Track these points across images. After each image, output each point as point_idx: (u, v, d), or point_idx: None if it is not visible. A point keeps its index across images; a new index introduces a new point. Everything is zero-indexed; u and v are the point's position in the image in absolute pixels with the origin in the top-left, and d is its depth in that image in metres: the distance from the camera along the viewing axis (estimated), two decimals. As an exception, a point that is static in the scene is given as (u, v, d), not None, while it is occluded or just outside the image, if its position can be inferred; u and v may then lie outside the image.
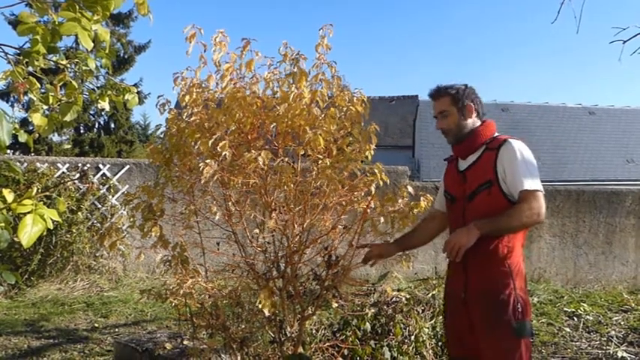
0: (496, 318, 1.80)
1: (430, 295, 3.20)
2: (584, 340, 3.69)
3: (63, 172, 5.03)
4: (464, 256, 1.82)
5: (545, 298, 4.75)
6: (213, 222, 2.12)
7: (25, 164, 4.88)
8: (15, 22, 13.90)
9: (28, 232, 1.20)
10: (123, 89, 1.79)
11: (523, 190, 1.78)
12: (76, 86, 1.63)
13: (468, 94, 1.97)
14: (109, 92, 1.76)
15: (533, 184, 1.79)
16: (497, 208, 1.82)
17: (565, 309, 4.38)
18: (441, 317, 3.10)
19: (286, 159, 1.99)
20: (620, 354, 3.37)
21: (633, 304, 4.56)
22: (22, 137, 1.55)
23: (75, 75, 1.69)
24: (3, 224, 1.30)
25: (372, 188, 2.20)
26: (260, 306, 1.98)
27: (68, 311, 4.13)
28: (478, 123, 1.98)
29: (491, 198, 1.84)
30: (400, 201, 2.31)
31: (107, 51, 1.64)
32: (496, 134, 1.97)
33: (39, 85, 1.56)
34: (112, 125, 18.20)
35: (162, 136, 2.50)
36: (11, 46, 1.46)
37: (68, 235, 4.76)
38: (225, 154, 1.91)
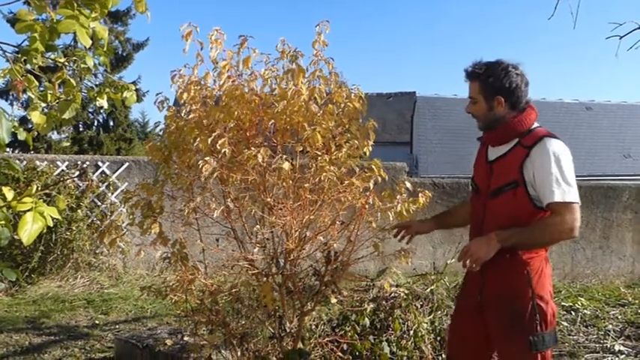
0: (512, 329, 1.69)
1: (429, 290, 3.22)
2: (581, 334, 3.71)
3: (62, 170, 5.03)
4: None
5: (544, 292, 4.77)
6: (213, 219, 2.14)
7: (25, 162, 4.88)
8: (13, 20, 13.85)
9: (28, 230, 1.21)
10: (121, 87, 1.79)
11: (554, 202, 1.59)
12: (75, 84, 1.63)
13: (501, 85, 1.72)
14: (108, 90, 1.76)
15: (566, 194, 1.59)
16: (521, 213, 1.67)
17: (563, 303, 4.40)
18: (439, 312, 3.12)
19: (285, 156, 2.00)
20: (617, 347, 3.40)
21: (630, 298, 4.59)
22: (22, 135, 1.56)
23: (73, 73, 1.69)
24: (3, 222, 1.31)
25: (371, 184, 2.22)
26: (264, 301, 2.00)
27: (69, 308, 4.14)
28: (513, 113, 1.75)
29: (516, 200, 1.67)
30: (398, 197, 2.33)
31: (105, 49, 1.65)
32: (535, 125, 1.76)
33: (37, 83, 1.57)
34: (111, 123, 18.19)
35: (161, 133, 2.50)
36: (9, 44, 1.47)
37: (68, 233, 4.77)
38: (225, 151, 1.92)
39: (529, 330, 1.66)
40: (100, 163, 5.19)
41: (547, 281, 1.73)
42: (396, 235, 2.15)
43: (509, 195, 1.69)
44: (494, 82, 1.73)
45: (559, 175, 1.61)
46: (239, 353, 2.38)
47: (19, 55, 1.43)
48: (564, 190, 1.60)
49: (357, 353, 2.68)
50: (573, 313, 4.18)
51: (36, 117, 1.57)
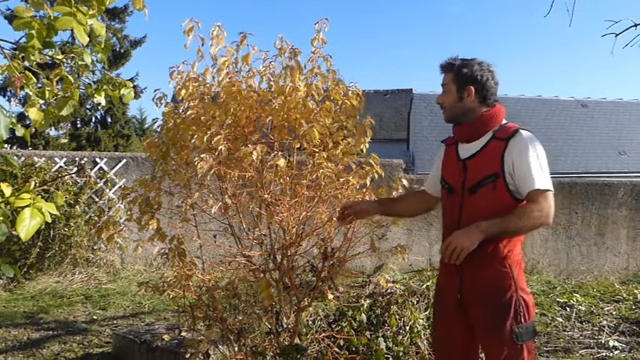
0: (497, 323, 1.68)
1: (424, 286, 3.24)
2: (576, 330, 3.75)
3: (60, 166, 5.03)
4: None
5: (538, 289, 4.81)
6: (210, 215, 2.15)
7: (23, 158, 4.88)
8: (11, 17, 13.76)
9: (26, 226, 1.22)
10: (119, 84, 1.80)
11: (534, 190, 1.62)
12: (72, 81, 1.64)
13: (473, 76, 1.78)
14: (105, 87, 1.77)
15: (544, 183, 1.64)
16: (499, 206, 1.67)
17: (558, 299, 4.44)
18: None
19: (282, 152, 2.01)
20: (611, 343, 3.43)
21: (625, 295, 4.62)
22: (20, 131, 1.56)
23: (71, 70, 1.69)
24: (1, 218, 1.32)
25: (367, 181, 2.23)
26: (261, 296, 2.01)
27: (67, 304, 4.16)
28: (484, 108, 1.79)
29: (496, 194, 1.68)
30: (395, 194, 2.34)
31: (103, 46, 1.65)
32: (504, 122, 1.80)
33: (35, 80, 1.57)
34: (109, 119, 18.12)
35: (158, 130, 2.51)
36: (7, 41, 1.47)
37: (66, 229, 4.78)
38: (222, 148, 1.92)
39: (514, 322, 1.67)
40: (97, 160, 5.20)
41: (524, 275, 1.78)
42: (340, 216, 2.08)
43: (489, 189, 1.70)
44: (467, 73, 1.78)
45: (537, 164, 1.65)
46: (236, 348, 2.39)
47: (17, 52, 1.43)
48: (542, 178, 1.64)
49: (354, 349, 2.70)
50: (568, 309, 4.21)
51: (34, 114, 1.57)
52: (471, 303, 1.75)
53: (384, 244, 2.33)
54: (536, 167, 1.65)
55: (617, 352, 3.33)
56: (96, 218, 5.04)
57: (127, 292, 4.47)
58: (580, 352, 3.33)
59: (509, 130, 1.73)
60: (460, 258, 1.62)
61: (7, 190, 1.30)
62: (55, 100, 1.62)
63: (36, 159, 4.92)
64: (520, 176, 1.66)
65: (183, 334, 2.77)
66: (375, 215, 2.17)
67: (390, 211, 2.17)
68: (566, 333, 3.68)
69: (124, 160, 5.26)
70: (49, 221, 1.30)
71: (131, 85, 1.85)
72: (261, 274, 2.23)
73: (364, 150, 2.27)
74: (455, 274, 1.77)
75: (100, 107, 16.65)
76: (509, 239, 1.70)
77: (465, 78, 1.78)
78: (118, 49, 16.76)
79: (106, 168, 5.17)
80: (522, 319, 1.68)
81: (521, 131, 1.71)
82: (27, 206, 1.25)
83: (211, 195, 2.23)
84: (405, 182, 2.36)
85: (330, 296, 2.32)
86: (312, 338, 2.65)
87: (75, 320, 3.79)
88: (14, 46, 1.46)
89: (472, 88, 1.78)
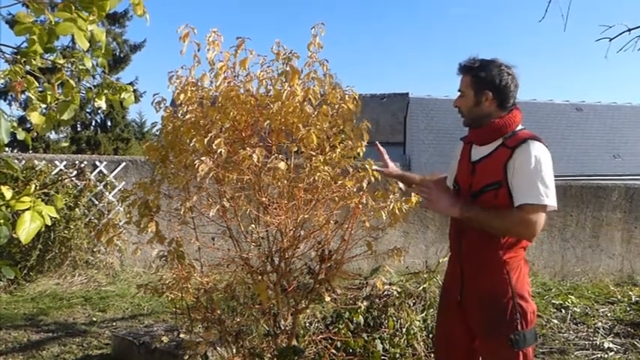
0: (493, 329, 1.69)
1: (421, 288, 3.26)
2: (571, 332, 3.77)
3: (60, 170, 5.05)
4: (460, 257, 1.78)
5: (534, 290, 4.83)
6: (209, 218, 2.17)
7: (24, 162, 4.90)
8: (12, 22, 13.79)
9: (27, 228, 1.24)
10: (119, 88, 1.82)
11: (524, 204, 1.61)
12: (73, 85, 1.66)
13: (491, 80, 1.71)
14: (106, 91, 1.79)
15: (537, 197, 1.60)
16: None
17: (553, 301, 4.46)
18: (432, 310, 3.17)
19: (280, 156, 2.03)
20: (606, 345, 3.45)
21: (619, 296, 4.65)
22: (21, 135, 1.58)
23: (72, 74, 1.72)
24: (2, 220, 1.33)
25: (364, 184, 2.26)
26: (260, 298, 2.03)
27: (67, 305, 4.17)
28: (502, 113, 1.75)
29: (497, 201, 1.67)
30: (391, 196, 2.37)
31: (103, 50, 1.68)
32: (519, 127, 1.76)
33: (37, 84, 1.59)
34: (109, 123, 18.14)
35: (158, 133, 2.54)
36: (9, 46, 1.49)
37: (66, 231, 4.80)
38: (221, 151, 1.95)
39: (510, 328, 1.66)
40: (97, 163, 5.22)
41: (526, 280, 1.75)
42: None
43: (491, 196, 1.69)
44: (485, 77, 1.72)
45: (537, 178, 1.61)
46: (234, 350, 2.41)
47: (19, 57, 1.46)
48: (537, 192, 1.61)
49: (351, 350, 2.71)
50: (563, 310, 4.23)
51: (35, 118, 1.58)
52: (469, 306, 1.77)
53: (380, 246, 2.35)
54: (533, 180, 1.61)
55: (612, 353, 3.36)
56: (95, 221, 5.05)
57: (126, 294, 4.49)
58: (575, 353, 3.36)
59: (518, 139, 1.69)
60: (427, 206, 1.76)
61: (8, 194, 1.32)
62: (56, 104, 1.64)
63: (36, 162, 4.94)
64: (516, 187, 1.63)
65: (181, 335, 2.79)
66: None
67: (409, 182, 2.24)
68: (561, 334, 3.71)
69: (124, 164, 5.28)
70: (49, 224, 1.32)
71: (131, 90, 1.87)
72: (259, 277, 2.25)
73: (361, 153, 2.30)
74: (457, 277, 1.79)
75: (100, 111, 16.67)
76: (509, 246, 1.69)
77: (483, 83, 1.73)
78: (117, 54, 16.80)
79: (105, 171, 5.19)
80: (519, 326, 1.66)
81: (530, 141, 1.66)
82: (27, 209, 1.26)
83: (210, 198, 2.26)
84: (401, 185, 2.38)
85: (328, 298, 2.33)
86: (310, 340, 2.67)
87: (74, 322, 3.81)
88: (16, 51, 1.48)
89: (490, 93, 1.73)
